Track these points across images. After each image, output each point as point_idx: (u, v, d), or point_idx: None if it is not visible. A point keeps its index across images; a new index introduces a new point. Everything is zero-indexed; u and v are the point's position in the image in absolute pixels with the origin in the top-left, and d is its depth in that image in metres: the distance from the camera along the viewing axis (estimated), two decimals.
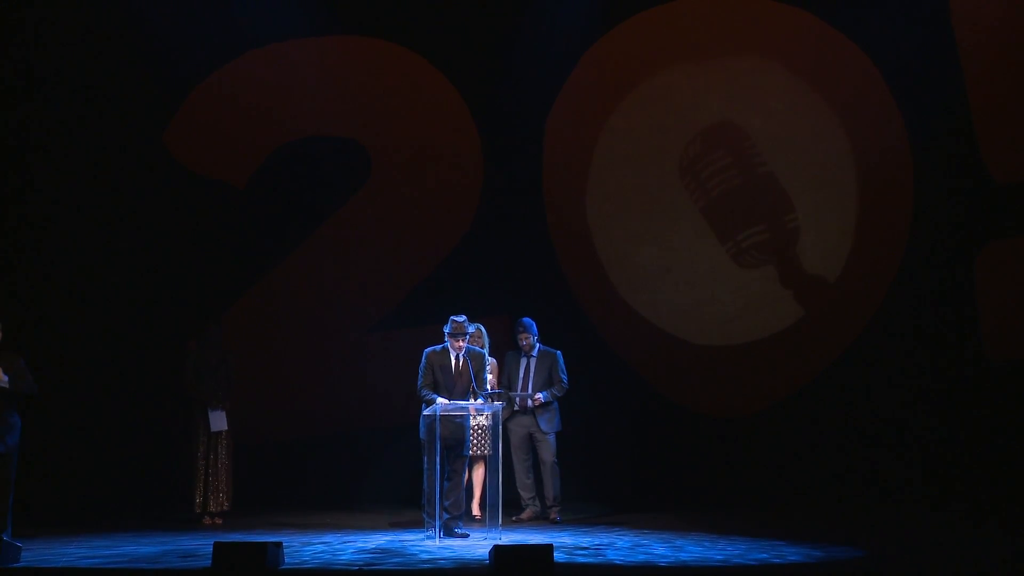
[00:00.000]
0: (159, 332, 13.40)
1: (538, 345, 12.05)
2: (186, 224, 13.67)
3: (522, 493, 12.10)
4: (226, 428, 11.91)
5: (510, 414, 11.99)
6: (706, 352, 13.59)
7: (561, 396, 12.00)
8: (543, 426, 11.96)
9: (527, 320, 12.06)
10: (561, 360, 12.03)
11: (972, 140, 13.09)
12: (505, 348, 12.30)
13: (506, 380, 12.09)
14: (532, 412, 11.99)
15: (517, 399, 11.90)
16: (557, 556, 8.42)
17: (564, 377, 11.99)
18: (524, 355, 12.06)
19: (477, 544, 10.03)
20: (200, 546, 9.67)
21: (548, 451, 11.98)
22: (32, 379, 9.97)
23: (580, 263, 13.85)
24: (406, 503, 12.64)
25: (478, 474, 12.05)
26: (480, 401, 10.52)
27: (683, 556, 9.20)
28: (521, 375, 12.03)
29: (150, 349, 13.39)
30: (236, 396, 12.14)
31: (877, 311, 13.25)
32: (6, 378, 9.77)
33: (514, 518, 11.92)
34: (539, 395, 11.93)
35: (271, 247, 13.82)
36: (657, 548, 9.69)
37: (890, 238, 13.27)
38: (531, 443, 12.10)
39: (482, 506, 11.80)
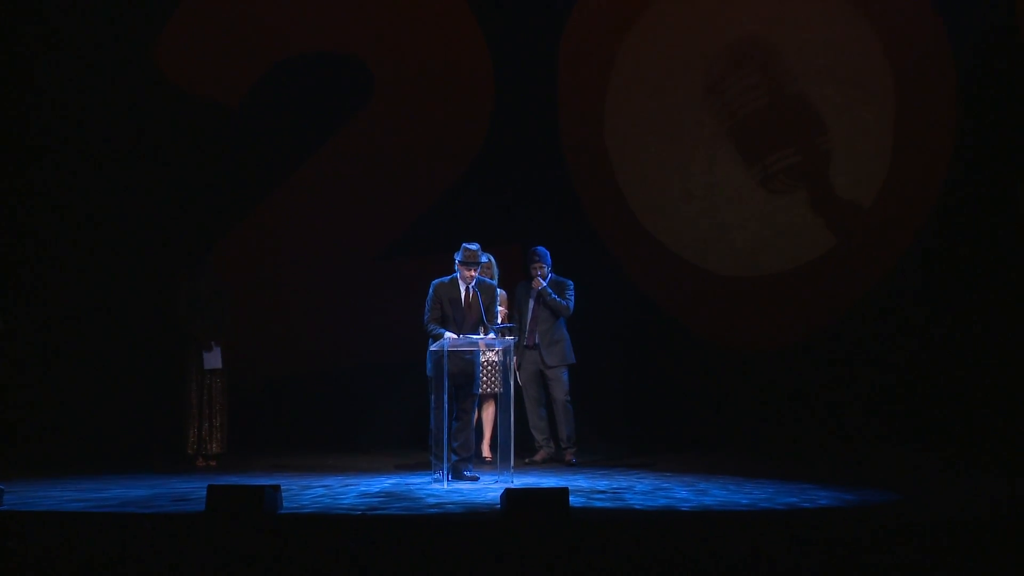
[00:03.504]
0: (148, 264, 13.40)
1: (551, 275, 11.97)
2: (175, 147, 13.60)
3: (535, 434, 12.09)
4: (220, 366, 11.90)
5: (521, 351, 11.92)
6: (731, 283, 13.58)
7: (564, 314, 11.87)
8: (548, 359, 11.89)
9: (540, 248, 11.98)
10: (572, 288, 11.97)
11: (1020, 57, 12.90)
12: (517, 280, 12.21)
13: (516, 313, 12.02)
14: (538, 346, 11.91)
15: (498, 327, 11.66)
16: (573, 500, 8.39)
17: (571, 303, 11.90)
18: (535, 286, 11.97)
19: (488, 487, 10.01)
20: (193, 489, 9.67)
21: (560, 388, 11.94)
22: None
23: (597, 189, 13.80)
24: (412, 444, 12.63)
25: (488, 413, 12.04)
26: (491, 336, 10.44)
27: (707, 500, 9.19)
28: (531, 307, 11.98)
29: (139, 282, 13.38)
30: (231, 331, 12.11)
31: (915, 239, 13.15)
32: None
33: (527, 460, 11.91)
34: (541, 281, 11.81)
35: (267, 172, 13.79)
36: (679, 492, 9.68)
37: (930, 161, 13.14)
38: (542, 380, 12.05)
39: (493, 447, 11.79)
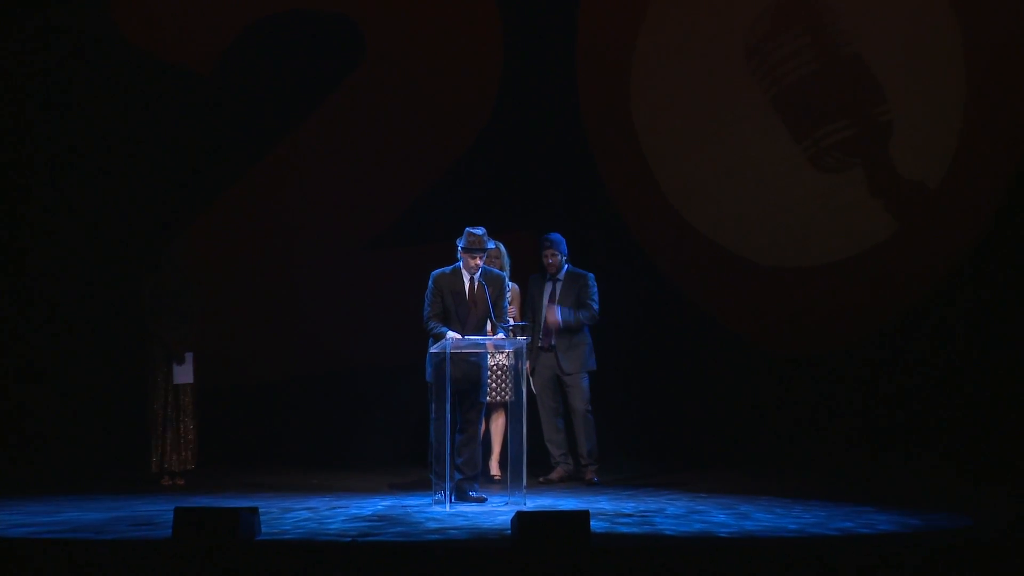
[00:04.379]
0: (108, 255, 13.41)
1: (567, 266, 11.93)
2: (139, 119, 13.59)
3: (550, 448, 12.06)
4: (192, 380, 11.91)
5: (535, 353, 11.90)
6: (777, 275, 13.56)
7: (590, 324, 11.89)
8: (565, 366, 11.88)
9: (555, 235, 11.95)
10: (593, 284, 11.94)
11: None
12: (529, 271, 12.19)
13: (529, 310, 12.00)
14: (554, 348, 11.88)
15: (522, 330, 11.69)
16: (594, 525, 8.38)
17: (595, 305, 11.88)
18: (549, 278, 11.94)
19: (496, 510, 10.02)
20: (158, 512, 9.65)
21: (580, 397, 11.92)
22: None
23: (622, 166, 13.80)
24: (409, 460, 12.66)
25: (497, 425, 12.03)
26: (500, 335, 10.39)
27: (749, 525, 9.17)
28: (545, 302, 11.95)
29: (98, 276, 13.39)
30: (202, 330, 12.09)
31: (989, 224, 13.03)
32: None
33: (541, 479, 11.91)
34: (555, 311, 11.78)
35: (242, 148, 13.80)
36: (717, 515, 9.67)
37: (1006, 134, 13.03)
38: (559, 387, 12.03)
39: (502, 464, 11.76)
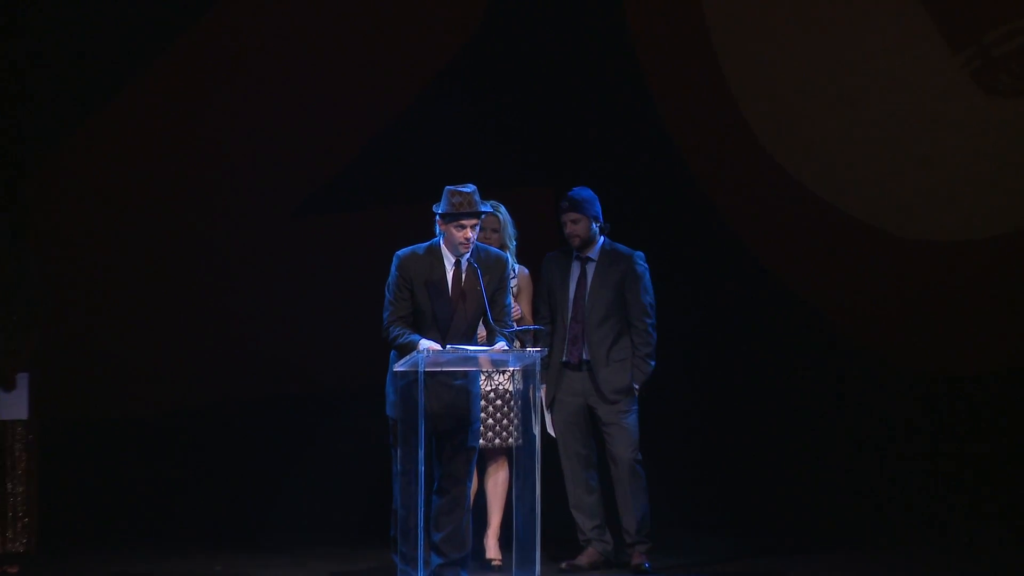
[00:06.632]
0: None
1: (602, 239, 11.63)
2: None
3: (578, 519, 11.89)
4: (25, 416, 11.90)
5: (557, 372, 11.67)
6: (923, 253, 13.59)
7: (650, 352, 11.69)
8: (606, 388, 11.67)
9: (582, 192, 11.67)
10: (645, 271, 11.74)
11: None
12: (547, 247, 12.01)
13: (546, 306, 11.72)
14: (588, 365, 11.66)
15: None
16: None
17: (650, 314, 11.69)
18: (576, 256, 11.69)
19: None
20: None
21: (625, 441, 11.74)
22: None
23: (689, 91, 13.80)
24: (363, 536, 12.62)
25: (497, 483, 11.91)
26: (501, 345, 10.08)
27: None
28: (572, 293, 11.77)
29: None
30: (44, 340, 11.94)
31: None
32: None
33: (564, 565, 11.78)
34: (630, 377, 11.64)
35: (113, 59, 13.80)
36: None
37: None
38: (593, 425, 11.80)
39: (504, 543, 11.55)
